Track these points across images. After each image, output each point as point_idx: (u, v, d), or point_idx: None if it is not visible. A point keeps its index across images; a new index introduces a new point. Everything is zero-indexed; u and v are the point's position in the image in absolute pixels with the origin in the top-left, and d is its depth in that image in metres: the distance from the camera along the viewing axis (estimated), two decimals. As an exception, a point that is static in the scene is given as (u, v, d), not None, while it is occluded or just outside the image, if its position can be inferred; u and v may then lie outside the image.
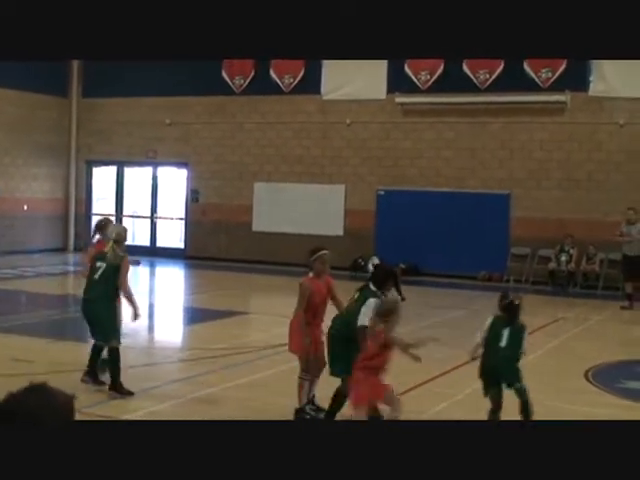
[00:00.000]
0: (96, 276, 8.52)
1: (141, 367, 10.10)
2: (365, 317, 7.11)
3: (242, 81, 22.35)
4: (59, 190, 24.53)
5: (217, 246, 22.76)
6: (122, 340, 8.71)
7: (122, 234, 8.76)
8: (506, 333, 7.23)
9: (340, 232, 21.35)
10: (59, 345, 11.07)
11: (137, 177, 24.78)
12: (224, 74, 22.39)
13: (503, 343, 7.22)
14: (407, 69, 20.40)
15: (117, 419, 7.58)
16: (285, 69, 21.76)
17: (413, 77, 20.43)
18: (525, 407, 7.18)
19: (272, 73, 21.89)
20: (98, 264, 8.53)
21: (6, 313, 13.56)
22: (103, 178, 25.18)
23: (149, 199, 24.35)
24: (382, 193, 20.97)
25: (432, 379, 9.57)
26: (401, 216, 20.58)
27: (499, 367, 7.27)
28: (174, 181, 24.18)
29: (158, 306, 16.02)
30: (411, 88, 20.41)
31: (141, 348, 11.10)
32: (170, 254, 23.56)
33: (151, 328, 13.34)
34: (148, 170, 24.32)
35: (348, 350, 7.18)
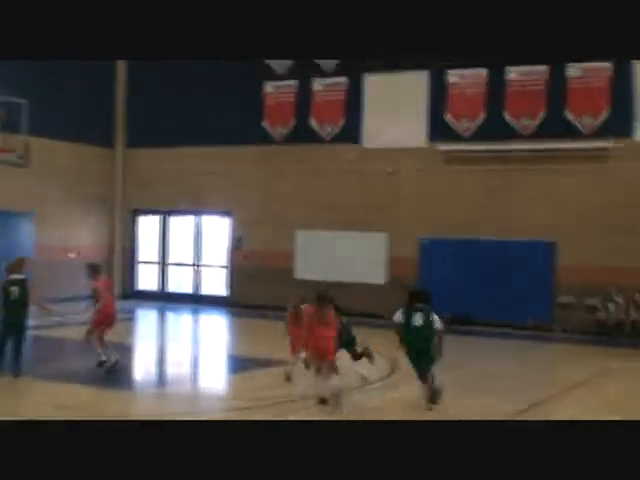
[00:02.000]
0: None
1: (184, 415, 10.08)
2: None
3: (283, 130, 22.58)
4: (105, 238, 24.88)
5: (260, 293, 22.79)
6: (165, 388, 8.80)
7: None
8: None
9: (381, 280, 21.27)
10: (103, 393, 11.10)
11: (181, 225, 25.03)
12: (265, 123, 22.66)
13: None
14: (447, 117, 20.45)
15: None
16: (325, 117, 21.96)
17: (453, 124, 20.43)
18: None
19: (312, 121, 22.09)
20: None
21: (49, 360, 13.69)
22: (148, 226, 25.48)
23: (192, 247, 24.59)
24: (425, 241, 20.87)
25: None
26: (444, 265, 20.41)
27: None
28: (217, 229, 24.36)
29: (202, 354, 16.02)
30: (452, 136, 20.42)
31: (183, 397, 11.08)
32: (214, 302, 23.65)
33: (194, 377, 13.33)
34: (192, 219, 24.59)
35: None
